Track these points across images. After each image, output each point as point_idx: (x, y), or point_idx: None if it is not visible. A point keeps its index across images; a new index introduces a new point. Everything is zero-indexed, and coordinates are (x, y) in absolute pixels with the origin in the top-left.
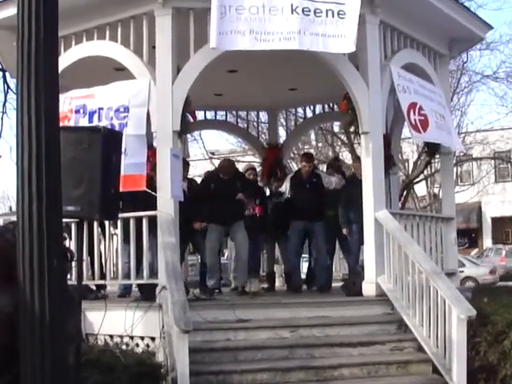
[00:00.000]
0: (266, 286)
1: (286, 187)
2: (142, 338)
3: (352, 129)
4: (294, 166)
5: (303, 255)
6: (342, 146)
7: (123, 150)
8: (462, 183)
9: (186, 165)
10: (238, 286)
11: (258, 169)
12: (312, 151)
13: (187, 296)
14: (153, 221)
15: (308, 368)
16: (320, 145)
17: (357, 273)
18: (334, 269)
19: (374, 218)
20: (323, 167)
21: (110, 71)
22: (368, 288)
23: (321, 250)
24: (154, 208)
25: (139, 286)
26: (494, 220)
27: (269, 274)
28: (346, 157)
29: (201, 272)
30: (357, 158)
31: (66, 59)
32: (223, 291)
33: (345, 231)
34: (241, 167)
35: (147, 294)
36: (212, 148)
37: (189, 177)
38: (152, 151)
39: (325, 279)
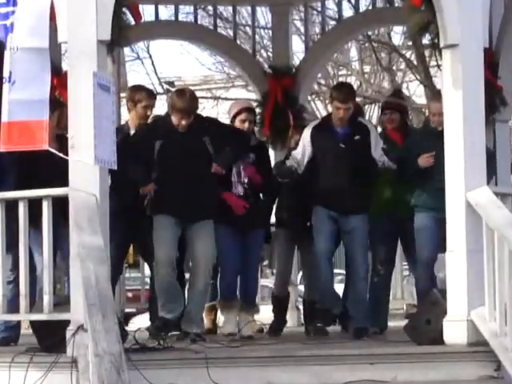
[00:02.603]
0: (266, 325)
1: (303, 149)
2: None
3: (427, 39)
4: (320, 109)
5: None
6: (408, 71)
7: (7, 75)
8: None
9: (149, 98)
10: (188, 332)
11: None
12: (353, 80)
13: (124, 342)
14: (61, 205)
15: None
16: (367, 69)
17: (433, 302)
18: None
19: (464, 203)
20: (374, 111)
21: None
22: (454, 330)
23: (356, 268)
24: (65, 183)
25: (35, 325)
26: None
27: (277, 301)
28: (414, 92)
29: (150, 299)
30: (436, 94)
31: None
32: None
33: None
34: (224, 109)
35: (49, 340)
36: (170, 75)
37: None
38: (59, 78)
39: (376, 315)
